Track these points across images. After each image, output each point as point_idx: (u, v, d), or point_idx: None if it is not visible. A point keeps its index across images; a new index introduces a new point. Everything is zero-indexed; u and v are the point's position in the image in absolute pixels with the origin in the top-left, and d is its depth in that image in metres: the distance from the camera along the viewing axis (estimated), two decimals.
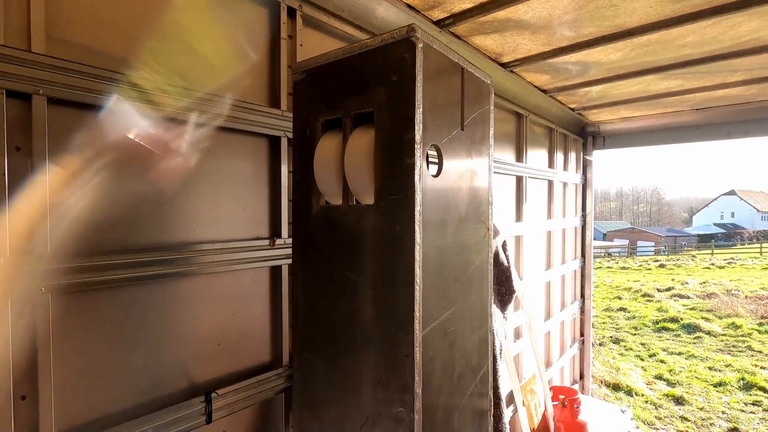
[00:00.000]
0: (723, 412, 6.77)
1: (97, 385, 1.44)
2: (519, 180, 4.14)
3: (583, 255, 5.84)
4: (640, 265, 23.20)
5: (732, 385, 7.79)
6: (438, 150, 0.95)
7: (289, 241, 2.01)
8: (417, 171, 0.87)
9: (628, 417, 5.43)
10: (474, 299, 1.07)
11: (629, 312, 13.50)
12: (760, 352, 9.49)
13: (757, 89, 3.85)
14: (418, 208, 0.86)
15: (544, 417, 4.37)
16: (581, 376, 5.91)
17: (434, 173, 0.95)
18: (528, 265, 4.37)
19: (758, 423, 6.38)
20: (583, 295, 5.89)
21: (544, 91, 4.03)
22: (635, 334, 11.30)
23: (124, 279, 1.45)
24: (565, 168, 5.24)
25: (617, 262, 24.97)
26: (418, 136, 0.87)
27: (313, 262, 1.12)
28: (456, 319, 0.98)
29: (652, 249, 32.10)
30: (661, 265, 22.61)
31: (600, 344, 10.40)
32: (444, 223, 0.97)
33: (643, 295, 15.49)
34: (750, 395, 7.35)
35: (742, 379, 7.97)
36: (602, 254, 29.18)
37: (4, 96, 1.21)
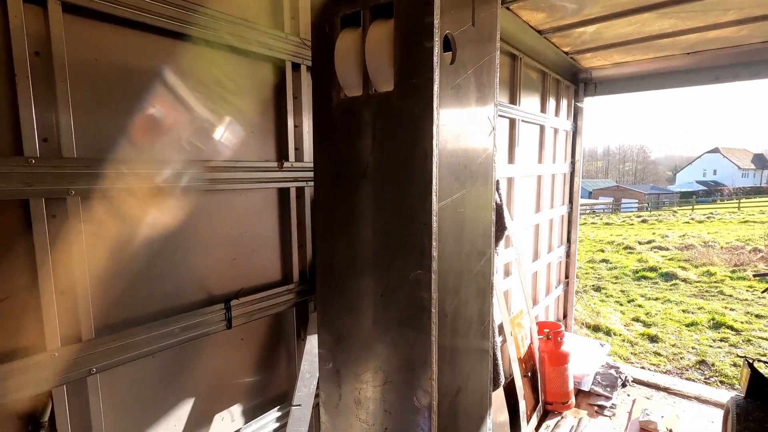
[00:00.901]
0: (693, 348, 7.30)
1: (128, 286, 1.55)
2: (512, 123, 4.21)
3: (570, 201, 6.04)
4: (624, 221, 23.87)
5: (703, 325, 8.34)
6: (452, 38, 1.02)
7: (297, 164, 2.09)
8: (436, 54, 0.95)
9: (606, 350, 5.85)
10: (480, 190, 1.18)
11: (611, 263, 14.07)
12: (731, 296, 10.09)
13: (749, 30, 3.90)
14: (436, 89, 0.95)
15: (530, 348, 4.70)
16: (564, 315, 6.29)
17: (450, 61, 1.03)
18: (518, 207, 4.53)
19: (723, 356, 6.91)
20: (569, 240, 6.14)
21: (539, 31, 4.02)
22: (616, 283, 11.86)
23: (145, 188, 1.53)
24: (556, 114, 5.31)
25: (601, 219, 25.65)
26: (436, 21, 0.94)
27: (333, 150, 1.21)
28: (465, 202, 1.09)
29: (636, 206, 32.88)
30: (644, 221, 23.30)
31: (584, 291, 10.94)
32: (457, 112, 1.06)
33: (625, 248, 16.09)
34: (718, 333, 7.90)
35: (713, 319, 8.53)
36: (587, 211, 29.85)
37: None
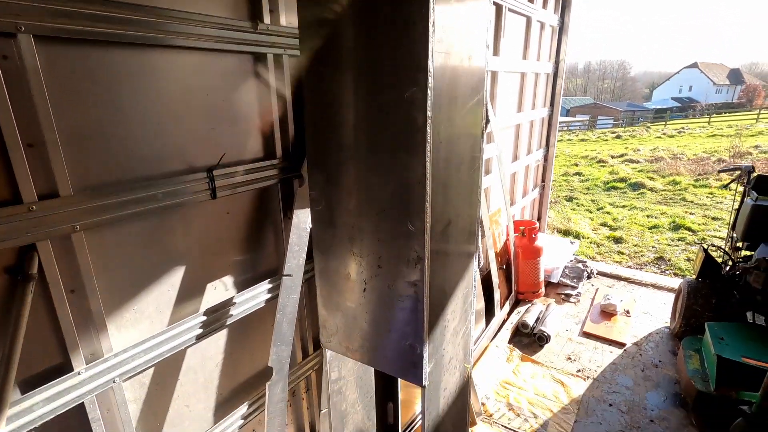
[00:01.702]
0: (653, 246, 7.86)
1: (103, 148, 1.46)
2: (498, 10, 3.96)
3: (552, 104, 5.98)
4: (599, 137, 24.18)
5: (664, 228, 8.91)
6: None
7: (274, 28, 1.92)
8: None
9: (575, 247, 6.22)
10: (470, 93, 1.12)
11: (584, 176, 14.50)
12: (692, 202, 10.69)
13: None
14: None
15: (506, 244, 4.93)
16: (539, 218, 6.56)
17: None
18: (501, 105, 4.45)
19: (680, 253, 7.49)
20: (548, 144, 6.19)
21: None
22: (587, 193, 12.33)
23: (107, 34, 1.38)
24: (544, 6, 5.02)
25: (577, 135, 25.86)
26: None
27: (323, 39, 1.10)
28: (455, 100, 1.05)
29: (611, 123, 33.10)
30: (618, 137, 23.66)
31: (554, 202, 11.37)
32: (449, 11, 0.96)
33: (598, 162, 16.50)
34: (677, 234, 8.48)
35: (673, 222, 9.10)
36: (564, 128, 29.96)
37: None
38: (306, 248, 2.12)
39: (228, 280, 2.03)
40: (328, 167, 1.16)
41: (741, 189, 4.50)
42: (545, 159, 6.24)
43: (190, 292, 1.86)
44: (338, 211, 1.18)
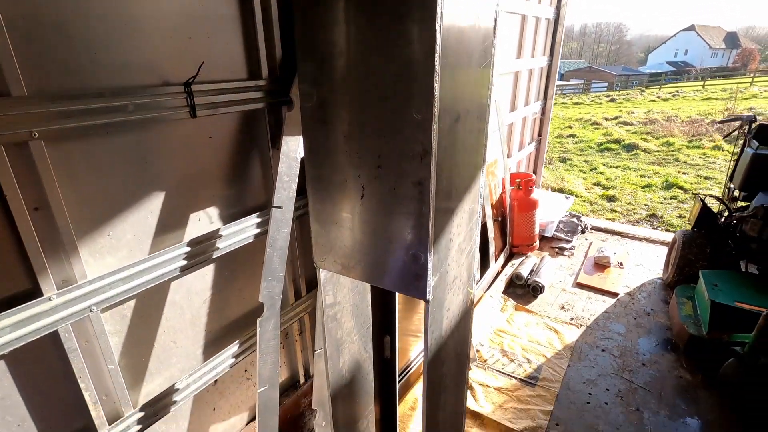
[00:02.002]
0: (645, 205, 7.86)
1: (63, 47, 1.27)
2: None
3: (551, 53, 5.74)
4: (593, 101, 23.86)
5: (656, 187, 8.90)
6: None
7: None
8: None
9: (570, 202, 6.17)
10: None
11: (577, 137, 14.35)
12: (685, 162, 10.67)
13: None
14: None
15: (502, 196, 4.83)
16: (534, 172, 6.45)
17: None
18: (500, 48, 4.22)
19: (671, 210, 7.50)
20: (545, 96, 5.99)
21: None
22: (580, 155, 12.23)
23: None
24: None
25: (571, 99, 25.50)
26: None
27: None
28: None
29: (605, 87, 32.65)
30: (612, 100, 23.36)
31: (549, 163, 11.27)
32: None
33: (592, 124, 16.32)
34: (669, 193, 8.48)
35: (666, 181, 9.08)
36: (558, 92, 29.51)
37: None
38: (296, 179, 1.98)
39: (213, 211, 1.89)
40: (320, 51, 1.01)
41: (741, 143, 4.41)
42: (543, 112, 6.06)
43: (171, 221, 1.73)
44: (332, 104, 1.03)
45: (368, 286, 1.59)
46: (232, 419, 2.28)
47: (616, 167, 10.66)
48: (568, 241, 5.36)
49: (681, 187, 8.71)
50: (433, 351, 1.19)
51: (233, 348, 2.06)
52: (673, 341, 3.66)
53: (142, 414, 1.70)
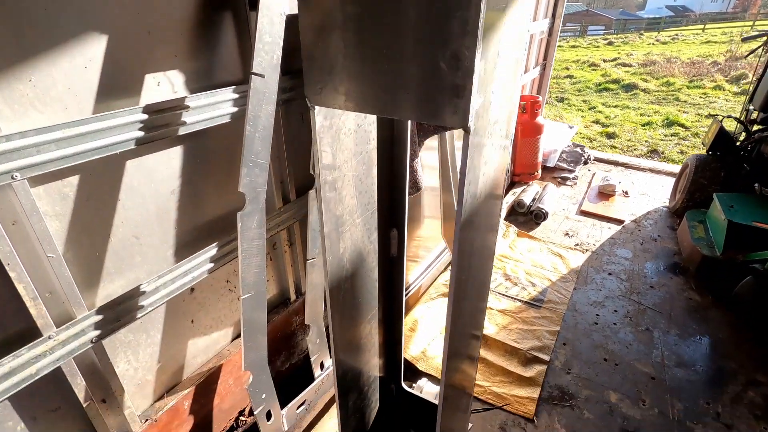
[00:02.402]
0: (646, 141, 7.60)
1: None
2: None
3: None
4: (590, 44, 22.96)
5: (657, 124, 8.61)
6: None
7: None
8: None
9: (574, 131, 5.85)
10: None
11: (575, 78, 13.80)
12: (686, 102, 10.34)
13: None
14: None
15: None
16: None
17: None
18: None
19: (672, 147, 7.26)
20: (554, 14, 5.46)
21: None
22: (578, 95, 11.77)
23: None
24: None
25: (568, 42, 24.48)
26: None
27: None
28: None
29: (603, 31, 31.43)
30: (610, 43, 22.50)
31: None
32: None
33: (590, 65, 15.69)
34: (670, 130, 8.21)
35: (666, 119, 8.79)
36: None
37: None
38: (281, 44, 1.59)
39: (176, 78, 1.51)
40: None
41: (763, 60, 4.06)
42: (549, 32, 5.56)
43: (120, 79, 1.35)
44: None
45: (374, 158, 1.27)
46: (215, 334, 2.03)
47: (615, 106, 10.28)
48: (571, 171, 5.10)
49: (682, 125, 8.43)
50: (467, 210, 0.90)
51: (211, 251, 1.76)
52: (682, 265, 3.51)
53: (99, 318, 1.41)
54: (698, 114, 9.29)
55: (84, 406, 1.47)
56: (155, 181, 1.55)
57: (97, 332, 1.42)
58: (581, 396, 2.40)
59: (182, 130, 1.50)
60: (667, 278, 3.37)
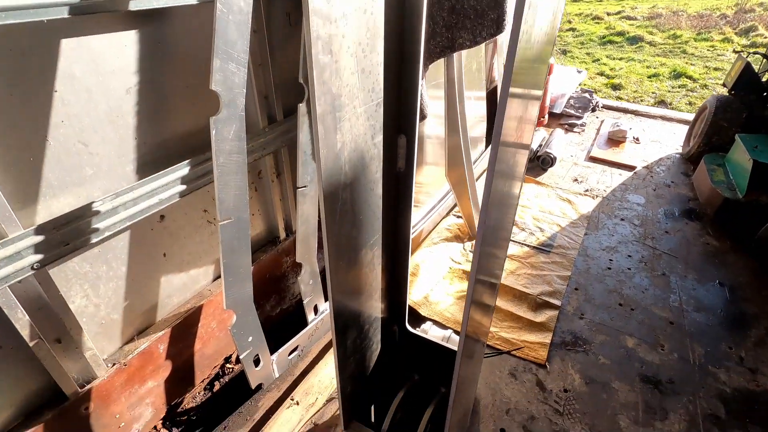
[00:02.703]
0: (653, 93, 7.26)
1: None
2: None
3: None
4: None
5: (663, 76, 8.24)
6: None
7: None
8: None
9: (583, 76, 5.51)
10: None
11: (578, 31, 13.18)
12: (693, 54, 9.91)
13: None
14: None
15: None
16: None
17: None
18: None
19: (680, 98, 6.94)
20: None
21: None
22: (582, 48, 11.24)
23: None
24: None
25: None
26: None
27: None
28: None
29: None
30: None
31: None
32: None
33: (593, 18, 14.99)
34: (677, 82, 7.86)
35: (674, 71, 8.41)
36: None
37: None
38: None
39: None
40: None
41: None
42: None
43: None
44: None
45: (381, 24, 0.97)
46: (193, 272, 1.78)
47: (620, 59, 9.84)
48: (579, 118, 4.80)
49: (690, 77, 8.08)
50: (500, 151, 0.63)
51: (182, 170, 1.48)
52: (697, 210, 3.31)
53: (40, 239, 1.15)
54: (706, 66, 8.91)
55: (30, 345, 1.22)
56: (104, 73, 1.24)
57: (39, 257, 1.15)
58: (596, 341, 2.23)
59: (133, 5, 1.18)
60: (683, 224, 3.17)
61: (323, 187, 0.97)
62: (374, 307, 1.46)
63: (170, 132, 1.49)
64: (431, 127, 2.88)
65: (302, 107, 1.67)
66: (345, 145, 0.99)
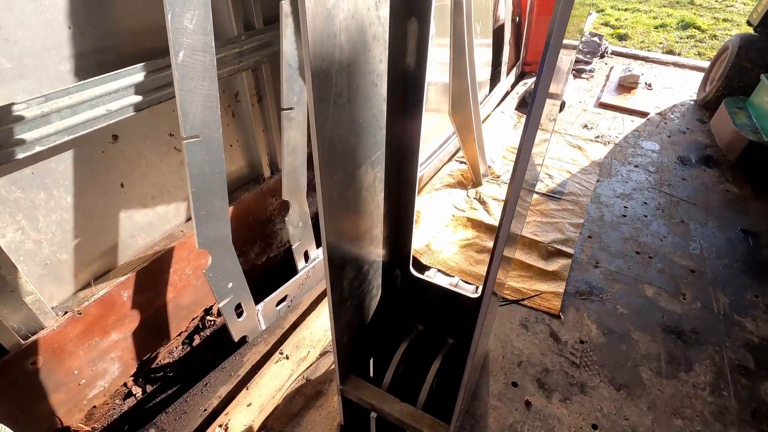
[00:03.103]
0: (660, 43, 6.89)
1: None
2: None
3: None
4: None
5: (671, 27, 7.83)
6: None
7: None
8: None
9: (593, 18, 5.14)
10: None
11: None
12: (701, 6, 9.45)
13: None
14: None
15: None
16: None
17: None
18: None
19: (689, 49, 6.60)
20: None
21: None
22: None
23: None
24: None
25: None
26: None
27: None
28: None
29: None
30: None
31: None
32: None
33: None
34: (685, 32, 7.47)
35: (681, 21, 8.00)
36: None
37: None
38: None
39: None
40: None
41: None
42: None
43: None
44: None
45: None
46: (160, 209, 1.52)
47: (625, 10, 9.33)
48: (588, 63, 4.47)
49: (698, 27, 7.68)
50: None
51: (135, 75, 1.18)
52: (715, 157, 3.09)
53: None
54: (714, 18, 8.50)
55: None
56: None
57: None
58: (612, 290, 2.05)
59: None
60: (700, 170, 2.96)
61: (311, 61, 0.69)
62: (375, 243, 1.23)
63: (119, 26, 1.18)
64: (432, 74, 2.59)
65: (285, 5, 1.36)
66: (338, 7, 0.71)
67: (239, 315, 1.60)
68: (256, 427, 1.46)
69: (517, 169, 0.67)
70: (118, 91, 1.16)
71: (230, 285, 1.49)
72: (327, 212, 0.89)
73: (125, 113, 1.19)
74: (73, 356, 1.30)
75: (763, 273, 2.17)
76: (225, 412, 1.48)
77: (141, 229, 1.47)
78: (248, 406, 1.49)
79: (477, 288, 1.62)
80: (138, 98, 1.21)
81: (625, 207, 2.59)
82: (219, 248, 1.38)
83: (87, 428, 1.43)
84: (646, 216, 2.52)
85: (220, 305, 1.48)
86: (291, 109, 1.52)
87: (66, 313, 1.26)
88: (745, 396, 1.62)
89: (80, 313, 1.28)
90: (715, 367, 1.73)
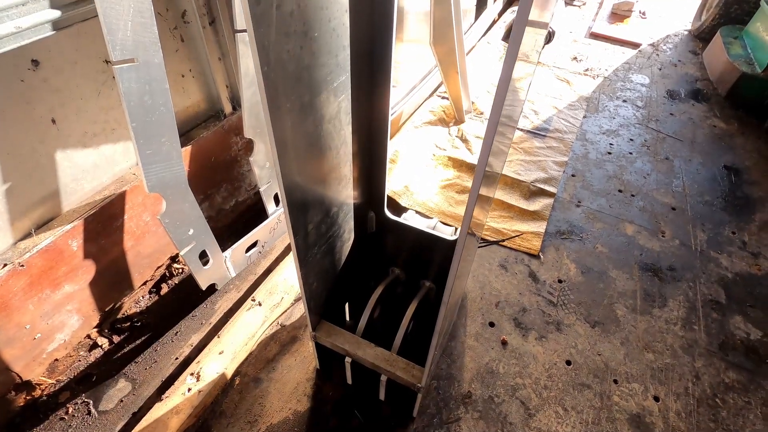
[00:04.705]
0: None
1: None
2: None
3: None
4: None
5: None
6: None
7: None
8: None
9: None
10: None
11: None
12: None
13: None
14: None
15: None
16: None
17: None
18: None
19: None
20: None
21: None
22: None
23: None
24: None
25: None
26: None
27: None
28: None
29: None
30: None
31: None
32: None
33: None
34: None
35: None
36: None
37: None
38: None
39: None
40: None
41: None
42: None
43: None
44: None
45: None
46: (105, 149, 1.36)
47: None
48: None
49: None
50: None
51: None
52: (705, 91, 2.99)
53: None
54: None
55: None
56: None
57: None
58: (593, 229, 2.02)
59: None
60: (689, 105, 2.86)
61: None
62: (343, 183, 1.12)
63: None
64: (411, 3, 2.33)
65: None
66: None
67: (205, 263, 1.51)
68: (229, 373, 1.43)
69: (496, 102, 0.56)
70: (27, 3, 0.96)
71: (191, 231, 1.38)
72: (280, 147, 0.77)
73: (42, 32, 1.00)
74: (21, 310, 1.20)
75: (742, 209, 2.16)
76: (197, 360, 1.43)
77: (85, 171, 1.32)
78: (220, 353, 1.45)
79: (456, 230, 1.55)
80: (56, 13, 1.01)
81: (610, 144, 2.51)
82: (173, 192, 1.26)
83: (51, 380, 1.38)
84: (631, 153, 2.45)
85: (182, 253, 1.38)
86: (246, 31, 1.32)
87: (5, 265, 1.14)
88: (714, 329, 1.66)
89: (22, 265, 1.17)
90: (688, 303, 1.75)
